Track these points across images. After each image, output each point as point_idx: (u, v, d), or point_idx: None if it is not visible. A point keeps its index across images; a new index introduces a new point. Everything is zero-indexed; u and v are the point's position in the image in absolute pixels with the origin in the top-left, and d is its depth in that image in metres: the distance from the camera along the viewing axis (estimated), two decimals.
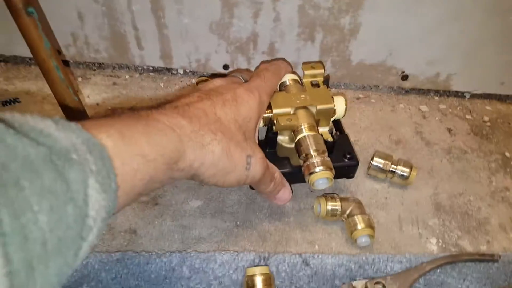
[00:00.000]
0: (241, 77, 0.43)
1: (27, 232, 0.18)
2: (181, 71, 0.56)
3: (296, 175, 0.45)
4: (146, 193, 0.29)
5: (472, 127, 0.58)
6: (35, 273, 0.18)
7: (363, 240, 0.44)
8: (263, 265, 0.41)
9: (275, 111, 0.44)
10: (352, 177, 0.50)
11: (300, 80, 0.48)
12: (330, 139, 0.46)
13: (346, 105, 0.46)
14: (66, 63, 0.55)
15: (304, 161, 0.42)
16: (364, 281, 0.42)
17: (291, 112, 0.44)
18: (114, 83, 0.55)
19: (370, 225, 0.44)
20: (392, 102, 0.59)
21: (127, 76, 0.55)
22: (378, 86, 0.59)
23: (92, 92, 0.53)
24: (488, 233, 0.49)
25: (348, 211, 0.46)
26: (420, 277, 0.43)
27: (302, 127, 0.43)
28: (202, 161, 0.33)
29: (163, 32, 0.51)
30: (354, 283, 0.41)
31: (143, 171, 0.28)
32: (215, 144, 0.34)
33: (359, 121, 0.57)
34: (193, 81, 0.55)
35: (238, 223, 0.46)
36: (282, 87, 0.47)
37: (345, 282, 0.41)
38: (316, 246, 0.45)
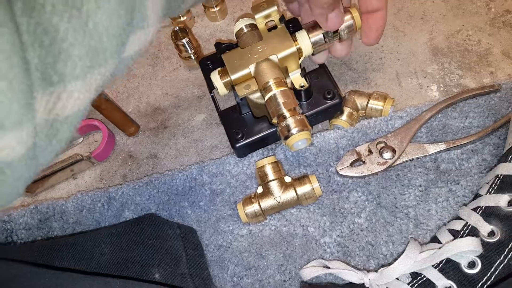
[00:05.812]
0: None
1: None
2: None
3: (276, 135, 0.43)
4: None
5: None
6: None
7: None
8: (270, 156, 0.44)
9: (233, 77, 0.40)
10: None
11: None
12: (304, 83, 0.41)
13: (310, 38, 0.40)
14: None
15: (278, 123, 0.39)
16: (366, 144, 0.44)
17: (252, 71, 0.40)
18: None
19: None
20: None
21: None
22: None
23: None
24: (491, 64, 0.48)
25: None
26: (421, 127, 0.44)
27: (269, 83, 0.39)
28: None
29: None
30: (357, 148, 0.44)
31: None
32: None
33: None
34: None
35: None
36: (238, 37, 0.42)
37: (349, 150, 0.44)
38: (320, 125, 0.48)
